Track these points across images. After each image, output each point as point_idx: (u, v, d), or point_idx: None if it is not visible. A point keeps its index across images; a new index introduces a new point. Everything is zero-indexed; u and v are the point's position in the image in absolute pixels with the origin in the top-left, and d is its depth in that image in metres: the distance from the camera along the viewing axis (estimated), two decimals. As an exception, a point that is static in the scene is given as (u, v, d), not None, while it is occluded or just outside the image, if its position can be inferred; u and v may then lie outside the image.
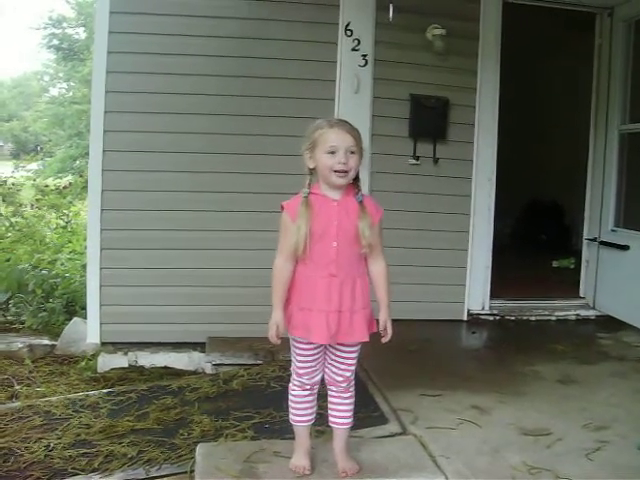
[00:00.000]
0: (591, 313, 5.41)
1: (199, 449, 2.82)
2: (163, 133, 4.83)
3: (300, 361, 2.61)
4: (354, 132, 2.47)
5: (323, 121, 2.50)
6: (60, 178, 15.37)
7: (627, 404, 3.44)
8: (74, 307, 5.86)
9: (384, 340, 2.58)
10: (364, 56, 4.91)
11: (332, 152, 2.43)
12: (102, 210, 4.78)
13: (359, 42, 4.89)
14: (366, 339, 2.56)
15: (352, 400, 2.69)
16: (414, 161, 5.10)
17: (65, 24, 25.08)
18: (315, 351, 2.59)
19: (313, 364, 2.61)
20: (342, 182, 2.47)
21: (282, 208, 2.52)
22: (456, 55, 5.05)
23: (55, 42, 25.35)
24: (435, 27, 4.91)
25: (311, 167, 2.51)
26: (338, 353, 2.60)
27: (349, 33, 4.87)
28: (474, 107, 5.14)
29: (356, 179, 2.53)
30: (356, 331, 2.53)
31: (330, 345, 2.58)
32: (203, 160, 4.86)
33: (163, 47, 4.75)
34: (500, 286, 5.43)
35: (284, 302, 2.54)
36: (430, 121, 5.04)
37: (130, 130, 4.79)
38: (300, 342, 2.58)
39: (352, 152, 2.45)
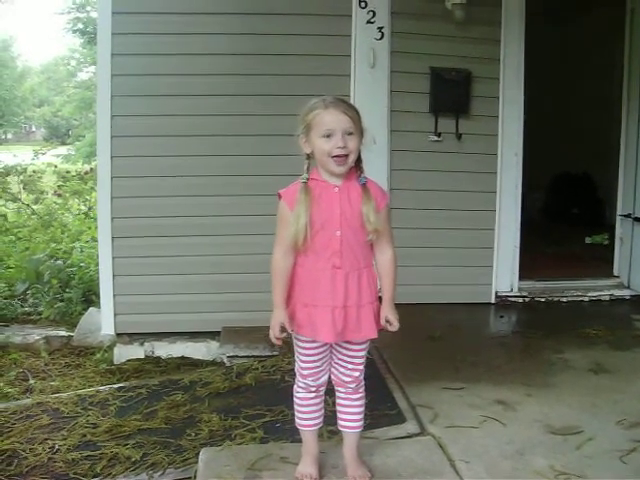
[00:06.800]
0: (626, 293, 5.12)
1: (202, 454, 2.66)
2: (176, 116, 4.65)
3: (304, 361, 2.42)
4: (351, 112, 2.25)
5: (317, 101, 2.28)
6: (90, 162, 15.31)
7: (665, 395, 3.19)
8: (92, 296, 5.76)
9: (392, 329, 2.37)
10: (380, 29, 4.66)
11: (328, 135, 2.22)
12: (112, 198, 4.64)
13: (374, 14, 4.64)
14: (374, 335, 2.37)
15: (362, 402, 2.49)
16: (435, 138, 4.84)
17: (89, 7, 24.95)
18: (320, 349, 2.40)
19: (318, 364, 2.42)
20: (342, 170, 2.26)
21: (279, 196, 2.32)
22: (478, 24, 4.74)
23: (80, 26, 25.26)
24: (455, -5, 4.62)
25: (307, 152, 2.31)
26: (345, 352, 2.40)
27: (363, 5, 4.63)
28: (498, 79, 4.84)
29: (358, 161, 2.31)
30: (363, 327, 2.34)
31: (336, 343, 2.39)
32: (218, 143, 4.68)
33: (168, 27, 4.58)
34: (530, 266, 5.17)
35: (285, 299, 2.36)
36: (451, 95, 4.76)
37: (140, 114, 4.63)
38: (304, 341, 2.39)
39: (350, 133, 2.23)
